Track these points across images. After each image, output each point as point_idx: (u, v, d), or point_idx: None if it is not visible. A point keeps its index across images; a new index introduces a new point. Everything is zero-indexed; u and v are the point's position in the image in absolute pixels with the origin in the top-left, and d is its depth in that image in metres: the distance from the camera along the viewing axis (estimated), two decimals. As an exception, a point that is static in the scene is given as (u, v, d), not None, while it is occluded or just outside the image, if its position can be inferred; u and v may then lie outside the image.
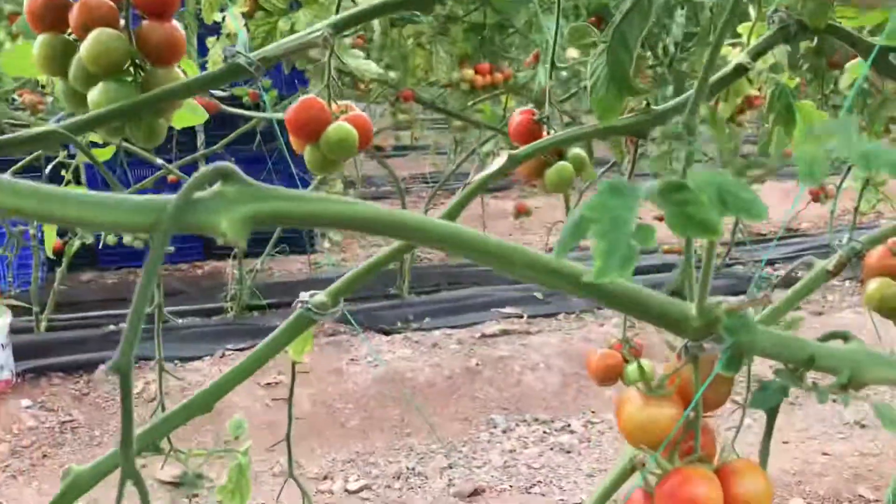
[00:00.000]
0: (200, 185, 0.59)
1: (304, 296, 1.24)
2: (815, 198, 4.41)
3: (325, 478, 2.89)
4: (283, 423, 3.19)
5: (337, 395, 3.34)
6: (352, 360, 3.56)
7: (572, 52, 1.69)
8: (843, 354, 0.88)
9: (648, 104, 1.33)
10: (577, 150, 1.38)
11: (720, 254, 4.91)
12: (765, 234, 5.59)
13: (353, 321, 3.50)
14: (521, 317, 4.11)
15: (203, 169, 0.59)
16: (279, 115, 3.71)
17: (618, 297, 0.78)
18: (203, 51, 2.65)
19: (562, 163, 1.33)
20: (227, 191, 0.59)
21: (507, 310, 4.18)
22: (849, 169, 5.10)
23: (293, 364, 1.60)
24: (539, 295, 4.41)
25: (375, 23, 3.52)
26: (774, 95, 1.72)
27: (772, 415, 0.96)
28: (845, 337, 0.93)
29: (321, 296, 1.23)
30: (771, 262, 5.02)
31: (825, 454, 2.75)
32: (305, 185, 4.50)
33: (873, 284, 1.54)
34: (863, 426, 3.11)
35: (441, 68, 3.45)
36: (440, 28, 3.49)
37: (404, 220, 0.71)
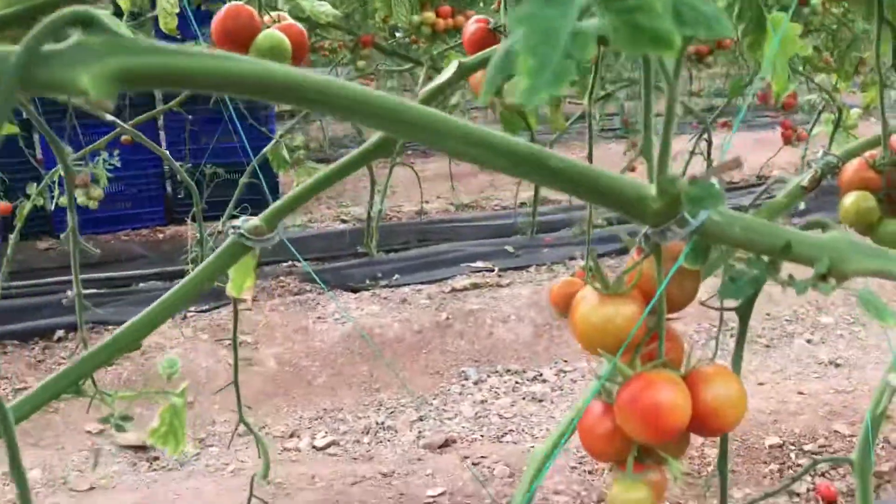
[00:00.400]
0: (52, 32, 0.48)
1: (237, 221, 1.13)
2: (787, 141, 4.34)
3: (292, 435, 2.80)
4: (247, 382, 3.09)
5: (303, 354, 3.24)
6: (319, 318, 3.46)
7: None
8: (823, 243, 0.79)
9: None
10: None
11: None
12: (737, 183, 5.53)
13: (318, 280, 3.40)
14: (492, 270, 4.03)
15: (57, 13, 0.48)
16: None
17: (564, 175, 0.68)
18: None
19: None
20: (89, 41, 0.48)
21: (478, 264, 4.09)
22: (819, 113, 5.03)
23: (234, 301, 1.49)
24: (510, 248, 4.33)
25: (330, -35, 3.37)
26: (744, 5, 1.63)
27: (745, 316, 0.88)
28: (824, 225, 0.84)
29: (255, 220, 1.13)
30: (782, 181, 4.96)
31: (801, 393, 2.70)
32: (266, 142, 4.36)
33: (849, 199, 1.45)
34: (837, 365, 3.07)
35: (400, 11, 3.31)
36: (398, -29, 3.34)
37: (302, 83, 0.60)
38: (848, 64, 4.45)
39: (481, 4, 3.90)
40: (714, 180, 0.65)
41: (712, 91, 6.73)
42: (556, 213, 5.04)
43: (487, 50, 1.16)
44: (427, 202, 5.36)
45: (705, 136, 4.61)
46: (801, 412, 2.55)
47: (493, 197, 5.55)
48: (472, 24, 1.30)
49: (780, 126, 4.50)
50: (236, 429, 1.54)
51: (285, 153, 3.63)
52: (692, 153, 4.74)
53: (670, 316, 0.81)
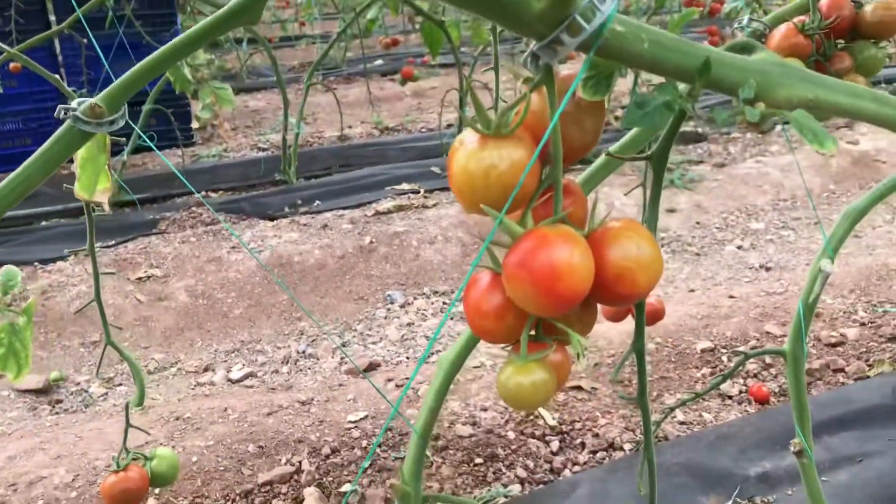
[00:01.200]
0: None
1: (72, 103, 0.94)
2: (714, 44, 4.24)
3: (206, 370, 2.64)
4: (158, 318, 2.89)
5: (218, 285, 3.06)
6: (233, 247, 3.26)
7: None
8: (748, 65, 0.65)
9: None
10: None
11: (619, 118, 4.72)
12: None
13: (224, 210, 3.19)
14: (418, 192, 3.86)
15: None
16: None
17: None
18: None
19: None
20: None
21: (403, 186, 3.92)
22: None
23: (86, 205, 1.30)
24: (437, 169, 4.16)
25: None
26: None
27: (660, 162, 0.74)
28: (749, 47, 0.70)
29: (93, 99, 0.93)
30: None
31: (731, 297, 2.64)
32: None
33: (778, 66, 1.30)
34: (768, 269, 3.02)
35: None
36: None
37: None
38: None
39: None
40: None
41: (640, 6, 6.58)
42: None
43: None
44: (350, 127, 5.14)
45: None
46: (732, 315, 2.49)
47: (418, 119, 5.35)
48: None
49: (707, 34, 4.39)
50: (104, 353, 1.38)
51: (187, 73, 3.37)
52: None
53: (568, 162, 0.67)
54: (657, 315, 1.64)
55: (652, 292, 0.67)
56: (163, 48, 0.94)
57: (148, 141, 1.38)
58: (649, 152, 0.71)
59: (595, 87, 0.63)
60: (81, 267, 3.12)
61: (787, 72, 0.67)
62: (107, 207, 1.10)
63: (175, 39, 0.95)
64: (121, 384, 2.63)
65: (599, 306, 0.68)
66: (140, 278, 3.06)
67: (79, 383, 2.62)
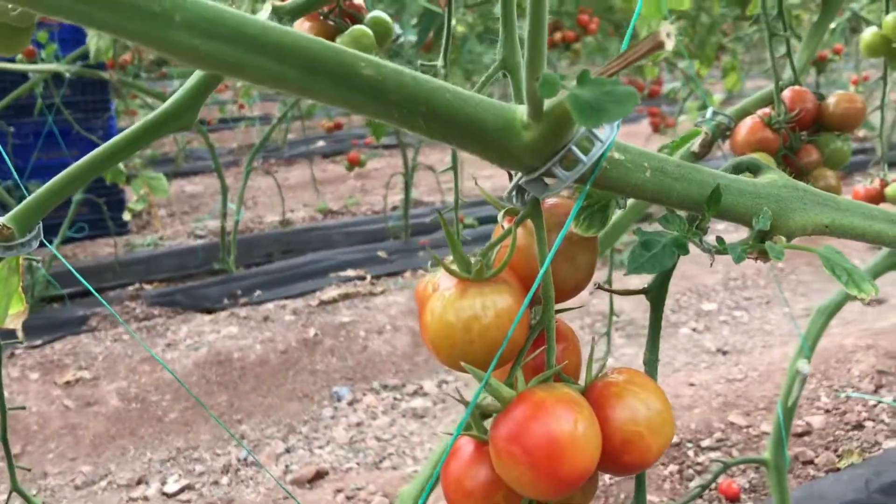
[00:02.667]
0: None
1: (-22, 224, 0.82)
2: (656, 128, 4.29)
3: (139, 482, 2.43)
4: (86, 425, 2.67)
5: (152, 387, 2.86)
6: (168, 345, 3.08)
7: None
8: (761, 189, 0.57)
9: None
10: (378, 14, 1.02)
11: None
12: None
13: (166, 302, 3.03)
14: (364, 278, 3.75)
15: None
16: (59, 68, 3.15)
17: (385, 92, 0.42)
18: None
19: (357, 27, 0.97)
20: None
21: (349, 272, 3.80)
22: (685, 100, 5.02)
23: (-4, 332, 1.15)
24: (383, 254, 4.06)
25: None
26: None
27: (658, 300, 0.64)
28: (755, 167, 0.62)
29: (1, 220, 0.82)
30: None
31: (692, 385, 2.56)
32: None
33: (747, 163, 1.24)
34: (724, 352, 2.97)
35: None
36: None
37: None
38: (709, 49, 4.44)
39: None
40: (618, 77, 0.41)
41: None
42: (431, 213, 4.81)
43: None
44: (292, 211, 5.03)
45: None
46: (694, 405, 2.40)
47: (362, 202, 5.27)
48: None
49: (648, 115, 4.45)
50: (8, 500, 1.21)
51: (119, 163, 3.24)
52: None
53: (561, 306, 0.57)
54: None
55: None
56: (82, 161, 0.83)
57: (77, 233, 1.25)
58: (646, 286, 0.62)
59: (589, 220, 0.54)
60: (5, 371, 2.90)
61: (800, 195, 0.59)
62: (20, 334, 0.96)
63: (95, 151, 0.84)
64: (43, 502, 2.40)
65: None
66: (68, 382, 2.85)
67: None
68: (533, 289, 0.50)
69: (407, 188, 4.26)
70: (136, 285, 3.71)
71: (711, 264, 0.60)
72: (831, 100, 1.26)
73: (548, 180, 0.48)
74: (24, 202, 0.80)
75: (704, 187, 0.53)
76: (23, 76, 3.22)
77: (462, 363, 0.51)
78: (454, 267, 0.52)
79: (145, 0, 0.37)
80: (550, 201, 0.56)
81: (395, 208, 4.71)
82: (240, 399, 2.83)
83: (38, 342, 3.16)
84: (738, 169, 0.60)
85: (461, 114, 0.44)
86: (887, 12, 1.43)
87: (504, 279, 0.52)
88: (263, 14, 0.88)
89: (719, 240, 0.56)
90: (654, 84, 4.25)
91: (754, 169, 0.60)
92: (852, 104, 1.26)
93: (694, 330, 3.16)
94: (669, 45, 0.38)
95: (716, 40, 4.51)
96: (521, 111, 0.45)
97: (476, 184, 0.56)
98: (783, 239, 0.53)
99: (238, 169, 6.00)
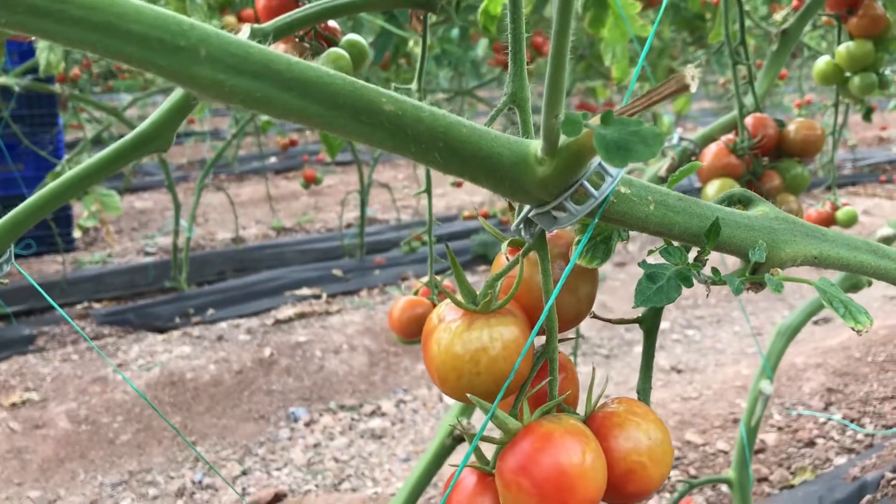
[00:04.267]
0: None
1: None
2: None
3: (90, 509, 2.36)
4: (34, 449, 2.59)
5: (103, 408, 2.79)
6: (119, 365, 3.01)
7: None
8: (755, 222, 0.58)
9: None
10: (353, 37, 1.02)
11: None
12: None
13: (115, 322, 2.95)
14: (320, 297, 3.72)
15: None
16: (9, 81, 3.06)
17: (403, 126, 0.43)
18: None
19: (334, 50, 0.97)
20: None
21: (304, 291, 3.77)
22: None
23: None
24: (338, 272, 4.04)
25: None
26: (585, -18, 1.48)
27: (651, 329, 0.65)
28: (747, 200, 0.64)
29: (-33, 246, 0.79)
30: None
31: (649, 403, 2.59)
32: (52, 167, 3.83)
33: (713, 188, 1.28)
34: (679, 371, 3.02)
35: (198, 17, 2.96)
36: (194, -29, 2.99)
37: None
38: (659, 71, 4.54)
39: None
40: (643, 116, 0.41)
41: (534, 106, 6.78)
42: (386, 231, 4.80)
43: (285, 15, 0.90)
44: (244, 228, 4.97)
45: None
46: (651, 424, 2.43)
47: (316, 219, 5.24)
48: (263, -8, 1.04)
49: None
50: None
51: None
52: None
53: (563, 334, 0.58)
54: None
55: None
56: (56, 183, 0.82)
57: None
58: (639, 316, 0.63)
59: (593, 252, 0.55)
60: (-57, 393, 2.80)
61: (791, 228, 0.60)
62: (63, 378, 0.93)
63: (72, 173, 0.82)
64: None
65: None
66: (14, 404, 2.76)
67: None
68: (540, 321, 0.51)
69: (362, 205, 4.24)
70: (85, 304, 3.62)
71: (707, 295, 0.62)
72: (792, 127, 1.30)
73: (556, 214, 0.48)
74: (-3, 226, 0.78)
75: (704, 220, 0.54)
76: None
77: (468, 395, 0.51)
78: (461, 299, 0.52)
79: (172, 34, 0.37)
80: (552, 232, 0.56)
81: (349, 226, 4.69)
82: (194, 420, 2.78)
83: (-19, 362, 3.05)
84: (730, 199, 0.62)
85: (477, 149, 0.44)
86: (839, 43, 1.48)
87: (510, 310, 0.52)
88: (243, 35, 0.88)
89: (714, 271, 0.58)
90: (606, 105, 4.32)
91: (745, 201, 0.62)
92: (812, 131, 1.31)
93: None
94: (694, 87, 0.39)
95: (665, 63, 4.61)
96: (535, 146, 0.45)
97: (479, 217, 0.57)
98: (780, 271, 0.55)
99: (187, 185, 5.91)
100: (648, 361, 0.64)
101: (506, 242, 0.55)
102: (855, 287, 1.48)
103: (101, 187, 3.31)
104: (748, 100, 1.35)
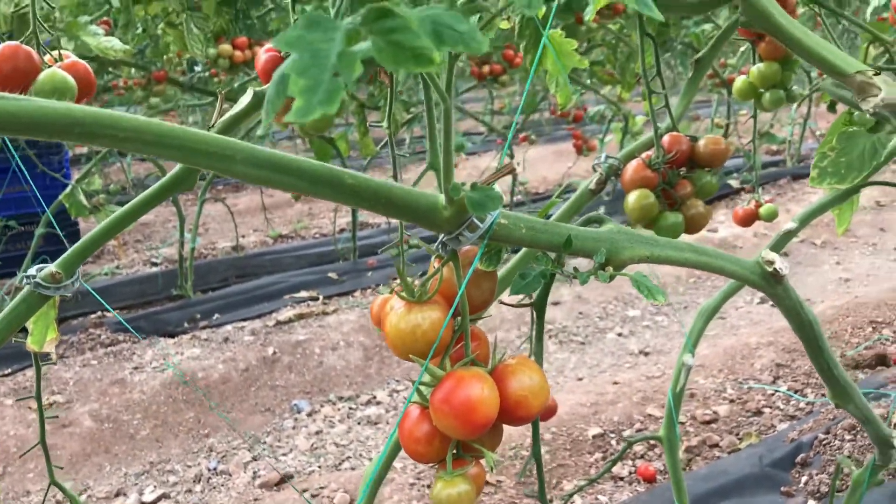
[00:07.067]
0: None
1: (31, 270, 1.09)
2: (580, 151, 4.64)
3: (118, 494, 2.64)
4: (63, 445, 2.87)
5: (122, 407, 3.07)
6: (136, 368, 3.29)
7: None
8: (600, 235, 0.87)
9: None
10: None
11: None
12: (541, 193, 5.82)
13: (130, 328, 3.23)
14: (317, 299, 4.00)
15: None
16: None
17: (360, 191, 0.71)
18: None
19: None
20: None
21: (302, 294, 4.05)
22: (609, 122, 5.38)
23: (35, 356, 1.42)
24: (333, 275, 4.32)
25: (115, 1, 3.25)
26: (523, 24, 1.74)
27: (540, 309, 0.94)
28: (600, 220, 0.92)
29: (51, 267, 1.09)
30: (572, 190, 5.23)
31: (615, 383, 2.88)
32: (62, 188, 4.10)
33: (632, 197, 1.58)
34: (646, 354, 3.31)
35: (195, 46, 3.24)
36: (190, 3, 3.27)
37: (81, 118, 0.59)
38: (629, 75, 4.82)
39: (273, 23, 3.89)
40: (494, 184, 0.70)
41: (512, 108, 7.04)
42: (377, 235, 5.08)
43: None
44: (243, 236, 5.25)
45: (508, 150, 4.84)
46: (617, 401, 2.72)
47: (311, 226, 5.52)
48: (263, 54, 1.31)
49: (573, 138, 4.80)
50: (47, 492, 1.45)
51: (83, 198, 3.44)
52: (498, 168, 4.96)
53: (473, 315, 0.86)
54: (550, 412, 1.84)
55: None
56: (108, 221, 1.08)
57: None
58: (531, 300, 0.91)
59: (489, 260, 0.83)
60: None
61: (629, 237, 0.89)
62: (54, 356, 1.22)
63: (118, 214, 1.09)
64: (27, 518, 2.59)
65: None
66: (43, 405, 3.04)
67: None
68: (454, 306, 0.79)
69: (354, 212, 4.52)
70: (98, 313, 3.90)
71: (570, 283, 0.90)
72: (702, 142, 1.58)
73: (461, 238, 0.76)
74: (68, 252, 1.06)
75: (562, 237, 0.82)
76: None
77: (410, 355, 0.79)
78: (403, 294, 0.80)
79: (219, 147, 0.64)
80: (463, 248, 0.84)
81: (342, 231, 4.96)
82: (206, 415, 3.06)
83: (8, 370, 3.33)
84: (588, 221, 0.90)
85: (407, 202, 0.72)
86: (754, 63, 1.76)
87: (436, 300, 0.80)
88: (245, 99, 1.16)
89: (574, 269, 0.86)
90: (577, 110, 4.60)
91: (599, 221, 0.90)
92: (718, 145, 1.59)
93: (619, 335, 3.50)
94: (519, 171, 0.67)
95: (635, 66, 4.89)
96: (441, 198, 0.73)
97: (419, 240, 0.85)
98: (611, 269, 0.83)
99: (186, 196, 6.18)
100: (539, 333, 0.93)
101: (434, 256, 0.83)
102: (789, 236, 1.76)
103: (111, 206, 3.59)
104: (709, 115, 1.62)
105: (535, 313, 0.91)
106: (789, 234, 1.72)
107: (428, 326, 0.79)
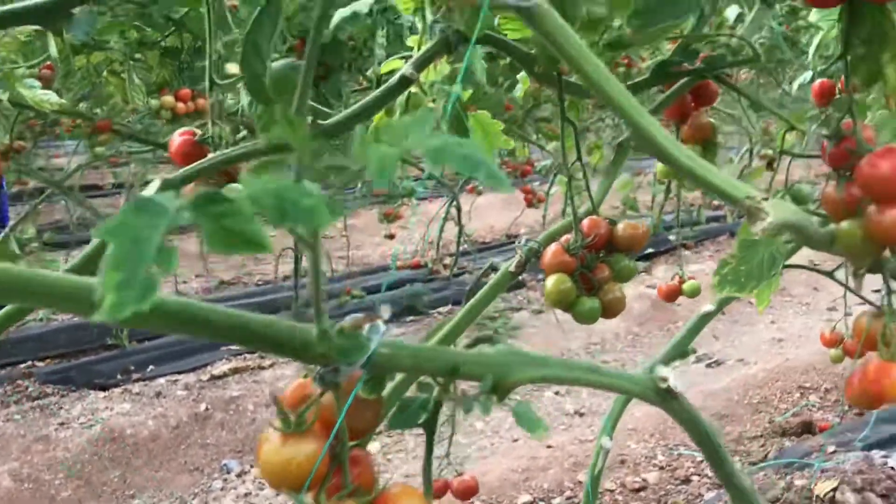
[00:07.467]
0: None
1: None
2: (529, 204, 4.67)
3: (32, 562, 2.54)
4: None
5: (44, 466, 2.97)
6: (62, 423, 3.19)
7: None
8: (489, 359, 0.86)
9: (314, 120, 1.28)
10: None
11: (448, 265, 5.05)
12: (489, 242, 5.84)
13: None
14: (254, 352, 3.94)
15: None
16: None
17: (221, 327, 0.70)
18: None
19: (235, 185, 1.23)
20: None
21: (238, 346, 3.98)
22: (555, 175, 5.44)
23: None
24: (273, 326, 4.26)
25: (53, 49, 3.21)
26: (445, 108, 1.75)
27: (430, 431, 0.93)
28: (490, 340, 0.92)
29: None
30: (495, 269, 5.24)
31: (549, 446, 2.88)
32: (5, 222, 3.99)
33: (550, 281, 1.58)
34: (581, 414, 3.31)
35: (137, 96, 3.21)
36: (132, 54, 3.24)
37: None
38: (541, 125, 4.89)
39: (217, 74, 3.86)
40: (363, 331, 0.69)
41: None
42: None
43: (192, 165, 1.16)
44: (184, 282, 5.17)
45: (454, 202, 4.85)
46: (549, 466, 2.71)
47: (254, 272, 5.46)
48: (177, 137, 1.29)
49: (522, 192, 4.84)
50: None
51: (14, 246, 3.36)
52: (445, 218, 4.98)
53: (354, 441, 0.85)
54: (471, 491, 1.83)
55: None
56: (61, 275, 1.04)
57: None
58: (423, 419, 0.90)
59: (371, 387, 0.81)
60: None
61: (521, 360, 0.88)
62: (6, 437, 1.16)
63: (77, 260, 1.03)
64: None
65: None
66: (-43, 465, 2.93)
67: None
68: (331, 438, 0.77)
69: (296, 260, 4.48)
70: (28, 363, 3.79)
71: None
72: (620, 226, 1.60)
73: (339, 371, 0.75)
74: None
75: (448, 363, 0.82)
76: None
77: (286, 489, 0.77)
78: (278, 424, 0.78)
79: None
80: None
81: (286, 278, 4.91)
82: (132, 474, 2.98)
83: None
84: (479, 340, 0.90)
85: (279, 337, 0.71)
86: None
87: (312, 430, 0.79)
88: (152, 188, 1.14)
89: (465, 396, 0.85)
90: (525, 164, 4.65)
91: (491, 341, 0.90)
92: (636, 230, 1.60)
93: (556, 393, 3.50)
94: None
95: (539, 114, 4.96)
96: (314, 331, 0.72)
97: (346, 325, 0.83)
98: (495, 398, 0.82)
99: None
100: (429, 457, 0.91)
101: (312, 382, 0.82)
102: (684, 355, 1.78)
103: (46, 254, 3.51)
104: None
105: (426, 434, 0.90)
106: (707, 317, 1.74)
107: (303, 460, 0.76)
